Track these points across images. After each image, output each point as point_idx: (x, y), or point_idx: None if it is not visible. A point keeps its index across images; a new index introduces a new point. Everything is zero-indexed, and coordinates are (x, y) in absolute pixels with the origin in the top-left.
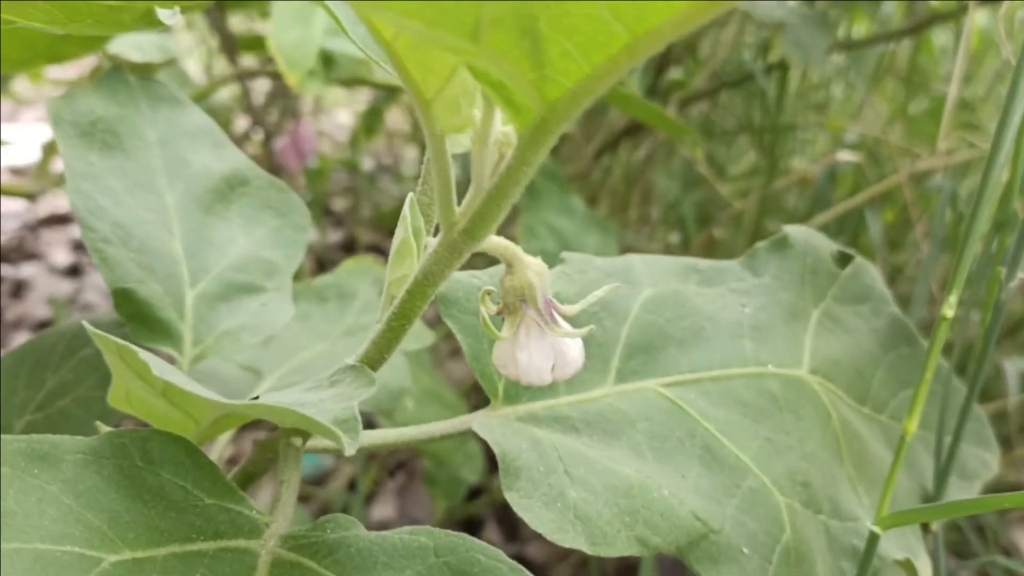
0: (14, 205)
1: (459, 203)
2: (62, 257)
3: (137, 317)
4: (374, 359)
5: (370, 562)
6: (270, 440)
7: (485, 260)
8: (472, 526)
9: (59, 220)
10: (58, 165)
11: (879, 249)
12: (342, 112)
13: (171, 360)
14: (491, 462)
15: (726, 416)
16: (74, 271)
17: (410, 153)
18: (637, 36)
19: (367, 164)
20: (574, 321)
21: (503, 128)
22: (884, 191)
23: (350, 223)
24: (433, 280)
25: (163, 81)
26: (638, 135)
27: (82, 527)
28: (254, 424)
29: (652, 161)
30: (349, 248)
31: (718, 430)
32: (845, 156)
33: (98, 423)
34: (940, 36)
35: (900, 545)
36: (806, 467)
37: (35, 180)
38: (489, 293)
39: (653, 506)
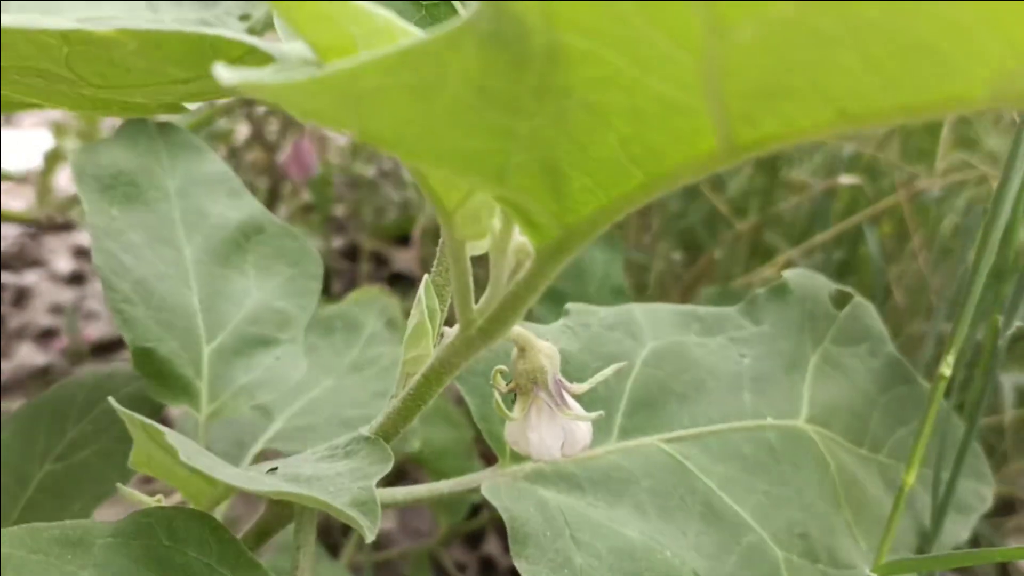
0: (16, 211)
1: (476, 300)
2: (64, 264)
3: (156, 375)
4: (389, 432)
5: None
6: (283, 500)
7: None
8: (473, 539)
9: (61, 227)
10: (61, 176)
11: (877, 263)
12: None
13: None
14: None
15: (726, 471)
16: (77, 279)
17: None
18: (653, 177)
19: (368, 170)
20: (582, 398)
21: (521, 238)
22: (883, 209)
23: (352, 229)
24: (450, 369)
25: (181, 127)
26: None
27: None
28: None
29: None
30: (351, 255)
31: (718, 486)
32: (846, 180)
33: (119, 485)
34: None
35: None
36: (804, 518)
37: (38, 197)
38: (501, 372)
39: (655, 568)
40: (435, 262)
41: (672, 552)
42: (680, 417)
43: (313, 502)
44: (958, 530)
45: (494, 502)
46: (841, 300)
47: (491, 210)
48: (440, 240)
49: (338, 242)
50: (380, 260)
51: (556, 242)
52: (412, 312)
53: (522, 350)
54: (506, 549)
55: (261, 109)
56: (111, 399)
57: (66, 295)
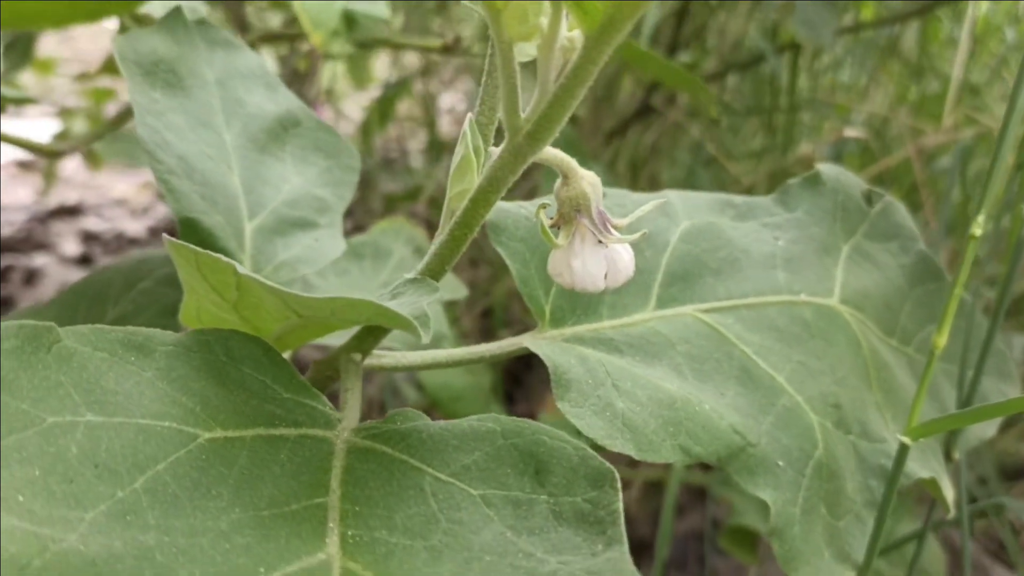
0: (22, 197)
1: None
2: (72, 248)
3: (200, 246)
4: (435, 270)
5: (441, 445)
6: (329, 358)
7: (524, 195)
8: None
9: (68, 212)
10: (67, 164)
11: None
12: (350, 104)
13: None
14: None
15: (761, 340)
16: (85, 260)
17: (416, 145)
18: None
19: (375, 156)
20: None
21: (568, 34)
22: (891, 168)
23: (360, 214)
24: (496, 187)
25: (216, 25)
26: (648, 118)
27: (177, 407)
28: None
29: (659, 148)
30: None
31: (754, 353)
32: (852, 132)
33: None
34: (946, 23)
35: (924, 467)
36: (837, 390)
37: (44, 181)
38: (544, 207)
39: (695, 418)
40: (478, 100)
41: (710, 407)
42: (715, 290)
43: (373, 309)
44: (984, 427)
45: (537, 352)
46: (872, 199)
47: (538, 8)
48: (487, 61)
49: (345, 226)
50: None
51: (605, 22)
52: (456, 148)
53: (565, 177)
54: None
55: None
56: (164, 235)
57: (75, 276)
